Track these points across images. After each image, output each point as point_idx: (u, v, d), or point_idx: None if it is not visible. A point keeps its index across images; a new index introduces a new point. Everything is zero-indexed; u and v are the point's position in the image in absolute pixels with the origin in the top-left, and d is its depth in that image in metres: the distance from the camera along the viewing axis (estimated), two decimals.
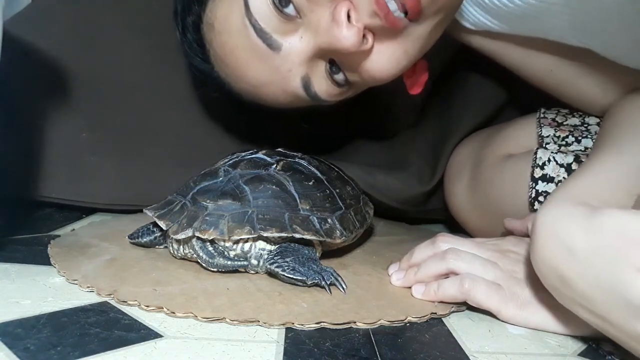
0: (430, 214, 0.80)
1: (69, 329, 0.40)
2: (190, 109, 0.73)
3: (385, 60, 0.53)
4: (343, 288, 0.49)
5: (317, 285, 0.49)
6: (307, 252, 0.52)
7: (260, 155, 0.58)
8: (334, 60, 0.55)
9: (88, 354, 0.37)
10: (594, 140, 0.59)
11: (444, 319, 0.47)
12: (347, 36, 0.49)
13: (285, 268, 0.49)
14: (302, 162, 0.59)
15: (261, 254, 0.52)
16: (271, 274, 0.51)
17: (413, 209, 0.77)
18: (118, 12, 0.70)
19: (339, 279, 0.50)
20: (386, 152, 0.77)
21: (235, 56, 0.56)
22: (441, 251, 0.50)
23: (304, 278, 0.49)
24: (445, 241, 0.51)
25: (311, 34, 0.52)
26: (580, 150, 0.58)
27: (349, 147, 0.78)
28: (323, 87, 0.56)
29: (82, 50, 0.69)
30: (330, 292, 0.48)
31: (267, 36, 0.53)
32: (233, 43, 0.55)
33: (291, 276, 0.49)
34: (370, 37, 0.52)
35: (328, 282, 0.49)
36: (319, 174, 0.58)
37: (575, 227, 0.38)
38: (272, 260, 0.50)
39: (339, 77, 0.56)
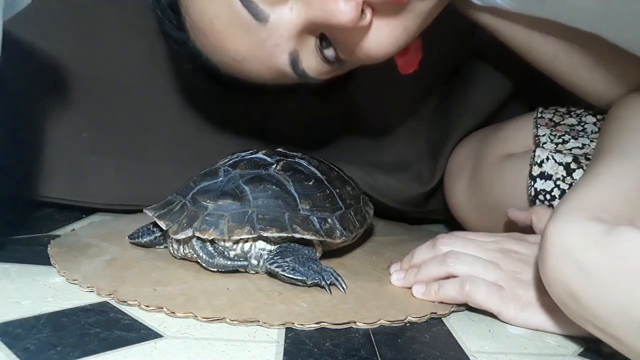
0: (430, 214, 0.80)
1: (69, 329, 0.40)
2: (190, 109, 0.73)
3: (383, 38, 0.50)
4: (343, 288, 0.49)
5: (317, 285, 0.49)
6: (307, 252, 0.52)
7: (260, 155, 0.58)
8: (324, 35, 0.51)
9: (88, 354, 0.37)
10: (590, 139, 0.58)
11: (444, 319, 0.47)
12: (343, 11, 0.45)
13: (285, 268, 0.49)
14: (302, 162, 0.59)
15: (261, 254, 0.52)
16: (271, 274, 0.51)
17: (413, 209, 0.77)
18: (118, 12, 0.70)
19: (339, 279, 0.50)
20: (386, 152, 0.77)
21: (215, 26, 0.50)
22: (442, 254, 0.50)
23: (304, 278, 0.49)
24: (446, 243, 0.51)
25: (303, 5, 0.48)
26: (578, 147, 0.58)
27: (348, 147, 0.78)
28: (312, 64, 0.53)
29: (82, 50, 0.69)
30: (330, 292, 0.49)
31: (252, 5, 0.48)
32: (213, 11, 0.50)
33: (291, 276, 0.49)
34: (368, 13, 0.47)
35: (328, 282, 0.49)
36: (319, 174, 0.58)
37: (589, 245, 0.37)
38: (272, 260, 0.50)
39: (330, 53, 0.52)
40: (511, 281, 0.47)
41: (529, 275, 0.47)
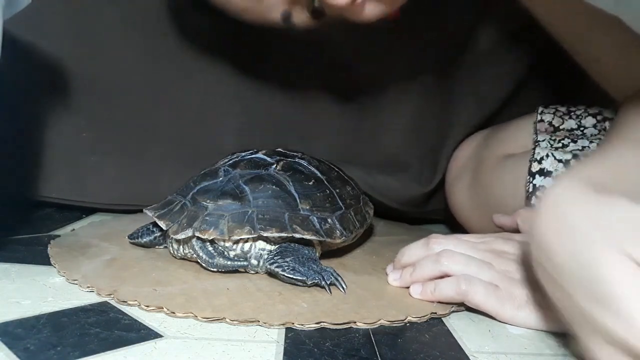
0: (430, 214, 0.80)
1: (69, 329, 0.40)
2: (190, 109, 0.73)
3: (371, 10, 0.54)
4: (343, 288, 0.49)
5: (317, 285, 0.49)
6: (307, 252, 0.52)
7: (260, 155, 0.58)
8: None
9: (88, 354, 0.37)
10: (590, 141, 0.58)
11: (444, 319, 0.47)
12: None
13: (285, 268, 0.49)
14: (302, 162, 0.59)
15: (261, 254, 0.52)
16: (271, 274, 0.51)
17: (413, 210, 0.77)
18: (118, 12, 0.70)
19: (339, 278, 0.50)
20: (386, 153, 0.77)
21: None
22: (435, 253, 0.50)
23: (304, 278, 0.48)
24: (439, 242, 0.51)
25: None
26: (578, 149, 0.58)
27: (349, 148, 0.78)
28: (302, 19, 0.56)
29: (82, 50, 0.69)
30: (330, 292, 0.48)
31: None
32: None
33: (291, 276, 0.49)
34: None
35: (328, 282, 0.49)
36: (319, 174, 0.58)
37: (578, 200, 0.36)
38: (272, 260, 0.50)
39: (319, 11, 0.56)
40: (505, 280, 0.47)
41: (521, 275, 0.47)
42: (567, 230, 0.35)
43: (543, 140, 0.60)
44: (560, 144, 0.59)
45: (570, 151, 0.58)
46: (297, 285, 0.50)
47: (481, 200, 0.66)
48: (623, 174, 0.41)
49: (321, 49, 0.71)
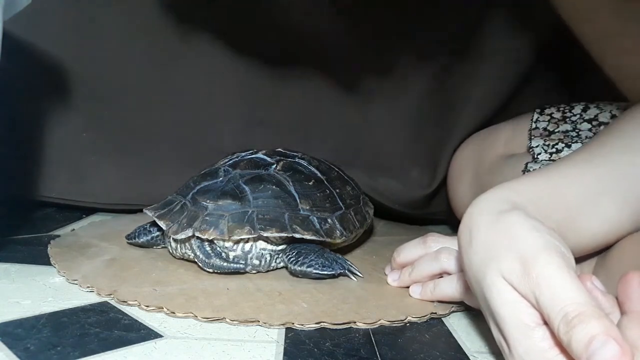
0: (432, 215, 0.80)
1: (69, 329, 0.40)
2: (190, 109, 0.73)
3: None
4: (360, 274, 0.52)
5: (342, 274, 0.52)
6: (316, 247, 0.53)
7: (260, 155, 0.58)
8: None
9: (88, 354, 0.37)
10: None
11: (444, 319, 0.47)
12: None
13: (315, 266, 0.51)
14: (302, 162, 0.59)
15: (262, 253, 0.52)
16: (293, 274, 0.52)
17: (414, 211, 0.76)
18: (118, 12, 0.70)
19: (353, 266, 0.53)
20: (387, 154, 0.77)
21: None
22: (433, 251, 0.50)
23: (334, 271, 0.51)
24: (436, 241, 0.51)
25: None
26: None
27: (349, 149, 0.78)
28: None
29: (82, 50, 0.69)
30: (355, 279, 0.52)
31: None
32: None
33: (324, 272, 0.51)
34: None
35: (348, 269, 0.52)
36: (319, 174, 0.58)
37: (484, 214, 0.39)
38: (295, 261, 0.51)
39: None
40: None
41: None
42: (472, 244, 0.38)
43: (537, 146, 0.60)
44: (554, 150, 0.59)
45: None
46: (324, 279, 0.51)
47: None
48: (553, 195, 0.41)
49: (322, 49, 0.71)
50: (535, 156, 0.60)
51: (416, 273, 0.50)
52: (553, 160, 0.58)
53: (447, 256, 0.48)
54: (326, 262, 0.51)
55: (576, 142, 0.59)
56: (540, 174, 0.43)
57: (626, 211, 0.42)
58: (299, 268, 0.51)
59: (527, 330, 0.33)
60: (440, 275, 0.49)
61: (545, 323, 0.33)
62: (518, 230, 0.36)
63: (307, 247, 0.53)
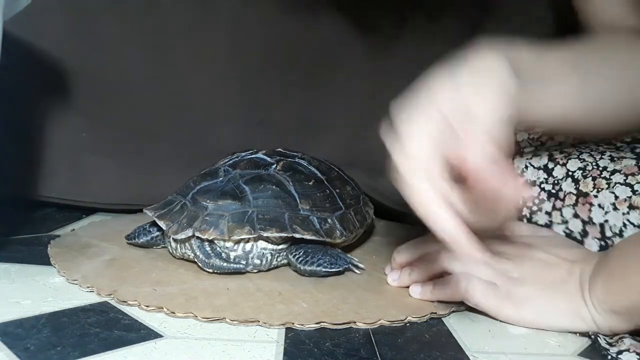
0: None
1: (69, 329, 0.40)
2: (190, 109, 0.73)
3: None
4: (362, 267, 0.54)
5: (347, 270, 0.53)
6: (318, 245, 0.53)
7: (260, 155, 0.58)
8: None
9: (88, 354, 0.37)
10: (565, 137, 0.59)
11: (444, 319, 0.47)
12: None
13: (325, 264, 0.52)
14: (302, 162, 0.59)
15: (263, 253, 0.52)
16: (301, 273, 0.53)
17: (415, 211, 0.76)
18: (118, 12, 0.70)
19: (354, 259, 0.54)
20: (388, 154, 0.77)
21: None
22: (433, 251, 0.50)
23: (341, 268, 0.52)
24: (437, 241, 0.51)
25: None
26: (555, 145, 0.58)
27: (350, 149, 0.78)
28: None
29: (82, 50, 0.69)
30: (359, 272, 0.53)
31: None
32: None
33: (333, 269, 0.52)
34: None
35: (351, 264, 0.53)
36: (319, 174, 0.58)
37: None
38: (304, 261, 0.52)
39: None
40: (504, 279, 0.47)
41: (519, 273, 0.47)
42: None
43: (522, 141, 0.60)
44: (538, 142, 0.59)
45: (547, 149, 0.58)
46: (330, 276, 0.52)
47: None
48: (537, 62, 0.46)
49: (322, 50, 0.71)
50: (522, 150, 0.60)
51: (416, 273, 0.50)
52: (538, 155, 0.58)
53: (447, 257, 0.48)
54: (332, 260, 0.52)
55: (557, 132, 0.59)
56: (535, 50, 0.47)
57: (585, 95, 0.48)
58: (309, 268, 0.51)
59: None
60: (441, 275, 0.49)
61: None
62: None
63: (312, 246, 0.53)
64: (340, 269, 0.52)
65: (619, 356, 0.41)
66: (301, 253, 0.52)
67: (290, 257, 0.53)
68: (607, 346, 0.43)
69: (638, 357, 0.40)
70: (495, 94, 0.40)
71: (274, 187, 0.53)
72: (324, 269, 0.51)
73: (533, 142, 0.60)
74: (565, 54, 0.49)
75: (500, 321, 0.47)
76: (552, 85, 0.47)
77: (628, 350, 0.41)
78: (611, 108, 0.50)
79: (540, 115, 0.47)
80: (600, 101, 0.49)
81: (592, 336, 0.44)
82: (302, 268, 0.52)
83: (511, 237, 0.51)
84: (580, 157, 0.54)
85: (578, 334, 0.45)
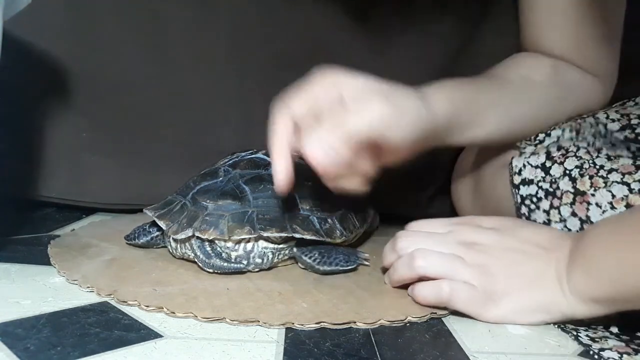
0: (434, 216, 0.80)
1: (69, 329, 0.40)
2: (190, 109, 0.73)
3: None
4: (368, 259, 0.56)
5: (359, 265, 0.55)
6: (328, 245, 0.54)
7: (260, 155, 0.58)
8: None
9: (88, 354, 0.37)
10: (562, 130, 0.59)
11: (444, 319, 0.47)
12: None
13: (341, 262, 0.53)
14: (302, 161, 0.59)
15: (264, 252, 0.52)
16: (318, 273, 0.53)
17: (415, 213, 0.76)
18: (118, 12, 0.70)
19: (362, 253, 0.56)
20: None
21: None
22: (407, 254, 0.49)
23: (355, 265, 0.54)
24: (406, 241, 0.50)
25: None
26: (553, 141, 0.58)
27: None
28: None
29: (82, 50, 0.69)
30: (368, 264, 0.55)
31: None
32: None
33: (349, 267, 0.53)
34: None
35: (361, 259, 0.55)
36: None
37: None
38: (322, 262, 0.53)
39: None
40: (482, 277, 0.46)
41: (496, 267, 0.46)
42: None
43: (521, 141, 0.61)
44: (537, 141, 0.59)
45: (545, 147, 0.58)
46: (345, 272, 0.54)
47: (484, 203, 0.66)
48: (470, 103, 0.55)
49: (321, 49, 0.71)
50: (521, 149, 0.60)
51: (393, 279, 0.50)
52: (536, 153, 0.58)
53: (423, 261, 0.47)
54: (346, 257, 0.53)
55: (554, 129, 0.59)
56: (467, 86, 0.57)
57: (503, 124, 0.57)
58: (328, 268, 0.52)
59: None
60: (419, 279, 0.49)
61: None
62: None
63: (322, 246, 0.54)
64: (354, 265, 0.54)
65: (601, 353, 0.41)
66: (316, 255, 0.53)
67: (306, 258, 0.53)
68: (589, 342, 0.43)
69: (620, 356, 0.40)
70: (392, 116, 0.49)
71: (274, 187, 0.53)
72: (341, 267, 0.53)
73: (532, 141, 0.60)
74: (492, 87, 0.58)
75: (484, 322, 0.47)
76: (488, 111, 0.56)
77: (610, 349, 0.41)
78: (529, 124, 0.59)
79: (477, 134, 0.57)
80: (520, 120, 0.59)
81: (574, 332, 0.44)
82: (321, 269, 0.52)
83: (484, 223, 0.51)
84: (577, 154, 0.54)
85: (557, 326, 0.46)
